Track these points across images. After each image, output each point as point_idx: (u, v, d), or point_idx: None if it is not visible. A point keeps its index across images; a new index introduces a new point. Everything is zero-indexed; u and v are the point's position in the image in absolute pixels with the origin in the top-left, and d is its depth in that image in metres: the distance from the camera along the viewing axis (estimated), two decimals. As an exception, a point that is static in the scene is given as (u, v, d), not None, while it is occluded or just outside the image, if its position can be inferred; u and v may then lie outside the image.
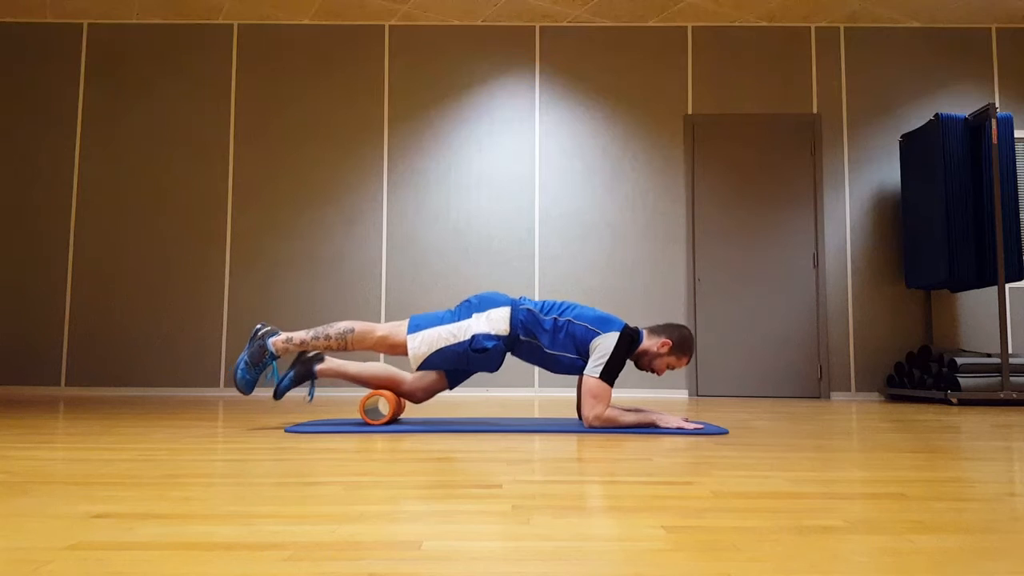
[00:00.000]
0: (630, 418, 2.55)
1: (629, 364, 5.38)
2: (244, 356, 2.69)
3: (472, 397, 5.27)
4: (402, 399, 2.81)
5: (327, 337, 2.65)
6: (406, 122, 5.79)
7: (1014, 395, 4.54)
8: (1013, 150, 4.94)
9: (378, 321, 5.62)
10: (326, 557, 0.91)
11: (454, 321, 2.66)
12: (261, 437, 2.32)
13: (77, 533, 1.02)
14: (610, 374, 2.54)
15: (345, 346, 2.66)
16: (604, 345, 2.56)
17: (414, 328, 2.65)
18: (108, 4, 5.61)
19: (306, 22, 5.86)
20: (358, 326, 2.67)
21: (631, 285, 5.64)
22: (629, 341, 2.59)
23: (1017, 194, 4.94)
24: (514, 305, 2.68)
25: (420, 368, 2.66)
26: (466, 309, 2.69)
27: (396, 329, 2.67)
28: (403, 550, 0.94)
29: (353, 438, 2.30)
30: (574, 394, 5.52)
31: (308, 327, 5.61)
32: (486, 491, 1.37)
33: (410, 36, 5.86)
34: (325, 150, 5.77)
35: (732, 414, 3.56)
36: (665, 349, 2.66)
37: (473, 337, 2.61)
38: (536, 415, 3.38)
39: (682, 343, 2.67)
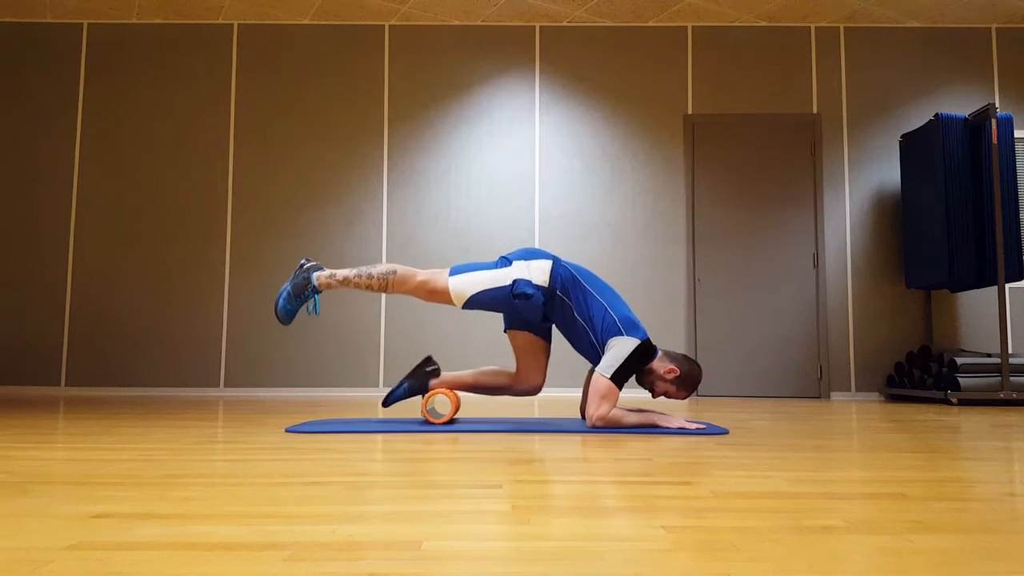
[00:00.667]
0: (633, 419, 2.55)
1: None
2: (287, 287, 2.72)
3: (472, 397, 5.27)
4: (459, 399, 2.81)
5: (369, 276, 2.68)
6: (406, 122, 5.79)
7: (1014, 395, 4.54)
8: (1013, 150, 4.94)
9: (379, 327, 5.62)
10: (326, 557, 0.91)
11: (496, 268, 2.68)
12: (261, 437, 2.32)
13: (77, 533, 1.02)
14: (620, 378, 2.54)
15: (386, 287, 2.68)
16: (621, 348, 2.56)
17: (455, 272, 2.68)
18: (108, 4, 5.61)
19: (306, 22, 5.86)
20: (400, 269, 2.69)
21: (631, 285, 5.64)
22: (644, 352, 2.60)
23: (1017, 194, 4.94)
24: (556, 260, 2.70)
25: (465, 307, 2.67)
26: (506, 260, 2.71)
27: (437, 275, 2.69)
28: (403, 550, 0.94)
29: (353, 438, 2.30)
30: (573, 394, 5.52)
31: (309, 328, 5.60)
32: (486, 491, 1.37)
33: (410, 36, 5.86)
34: (325, 150, 5.77)
35: (732, 414, 3.56)
36: (671, 376, 2.65)
37: (514, 282, 2.62)
38: (536, 415, 3.38)
39: (688, 378, 2.67)
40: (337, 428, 2.53)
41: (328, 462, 1.74)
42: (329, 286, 2.72)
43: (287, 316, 2.71)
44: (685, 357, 2.70)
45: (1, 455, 1.84)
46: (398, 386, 2.81)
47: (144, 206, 5.72)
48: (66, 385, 5.55)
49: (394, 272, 2.68)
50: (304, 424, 2.66)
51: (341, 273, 2.71)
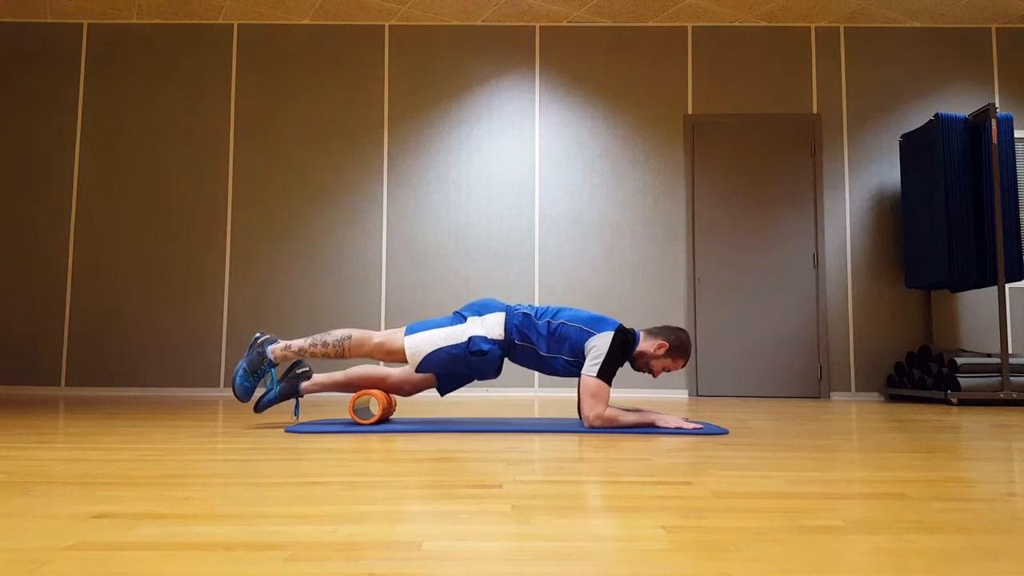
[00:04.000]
0: (630, 418, 2.55)
1: (625, 365, 5.37)
2: (243, 363, 2.70)
3: (472, 397, 5.27)
4: (393, 398, 2.81)
5: (324, 344, 2.66)
6: (406, 122, 5.79)
7: (1014, 395, 4.54)
8: (1013, 150, 4.94)
9: (378, 326, 5.62)
10: (326, 557, 0.90)
11: (451, 325, 2.68)
12: (261, 437, 2.32)
13: (77, 533, 1.02)
14: (607, 373, 2.54)
15: (342, 353, 2.67)
16: (599, 345, 2.57)
17: (411, 331, 2.67)
18: (108, 4, 5.61)
19: (306, 22, 5.86)
20: (355, 333, 2.68)
21: (631, 285, 5.64)
22: (623, 340, 2.60)
23: (1017, 194, 4.94)
24: (508, 311, 2.70)
25: (419, 370, 2.66)
26: (460, 315, 2.71)
27: (393, 335, 2.69)
28: (403, 550, 0.94)
29: (353, 438, 2.30)
30: (573, 394, 5.52)
31: (308, 329, 5.61)
32: (486, 491, 1.37)
33: (410, 36, 5.86)
34: (325, 150, 5.77)
35: (732, 414, 3.56)
36: (662, 351, 2.66)
37: (470, 339, 2.63)
38: (536, 415, 3.38)
39: (679, 346, 2.67)
40: (337, 428, 2.53)
41: (328, 462, 1.74)
42: (285, 358, 2.70)
43: (245, 394, 2.68)
44: (665, 327, 2.71)
45: (1, 455, 1.84)
46: (267, 391, 2.75)
47: (144, 206, 5.72)
48: (66, 385, 5.55)
49: (349, 337, 2.67)
50: (304, 424, 2.66)
51: (296, 344, 2.69)
